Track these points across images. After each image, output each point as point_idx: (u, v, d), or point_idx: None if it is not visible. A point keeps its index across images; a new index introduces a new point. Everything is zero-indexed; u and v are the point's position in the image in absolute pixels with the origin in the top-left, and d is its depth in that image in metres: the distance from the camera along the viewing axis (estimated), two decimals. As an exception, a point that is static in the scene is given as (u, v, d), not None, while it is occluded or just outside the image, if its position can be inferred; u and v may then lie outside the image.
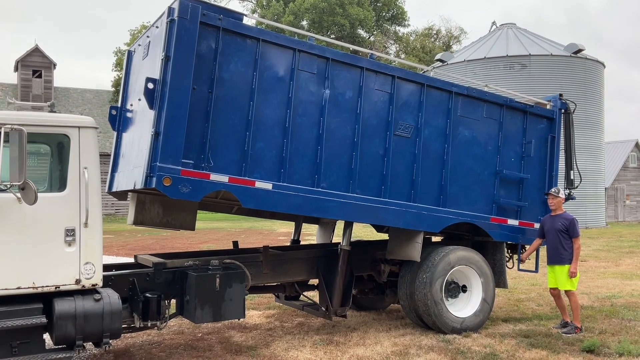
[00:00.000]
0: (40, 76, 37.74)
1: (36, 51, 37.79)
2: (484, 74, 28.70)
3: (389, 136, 7.23)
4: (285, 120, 6.55)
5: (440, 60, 32.57)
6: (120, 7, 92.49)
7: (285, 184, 6.50)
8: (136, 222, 7.12)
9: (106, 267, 6.81)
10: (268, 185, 6.40)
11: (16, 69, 38.06)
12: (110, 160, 7.39)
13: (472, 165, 7.95)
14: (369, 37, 49.26)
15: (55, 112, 5.79)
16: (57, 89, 39.59)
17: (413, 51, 51.24)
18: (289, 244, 9.04)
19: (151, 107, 5.94)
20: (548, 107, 8.75)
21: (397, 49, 52.29)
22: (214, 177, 6.10)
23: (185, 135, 5.87)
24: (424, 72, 8.84)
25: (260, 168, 6.40)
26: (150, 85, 5.90)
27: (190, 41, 5.91)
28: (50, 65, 38.21)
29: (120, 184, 6.95)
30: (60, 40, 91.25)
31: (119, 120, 7.29)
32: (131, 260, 7.57)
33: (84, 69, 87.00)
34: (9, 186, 5.07)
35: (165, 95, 5.81)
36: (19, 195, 5.15)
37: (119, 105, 7.43)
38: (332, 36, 45.37)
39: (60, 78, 76.25)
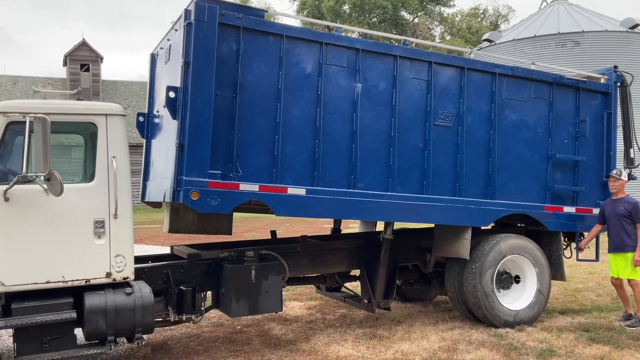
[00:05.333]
0: (88, 70, 38.44)
1: (83, 45, 38.46)
2: (534, 53, 27.48)
3: (429, 127, 6.79)
4: (315, 120, 6.19)
5: (487, 40, 31.46)
6: (161, 1, 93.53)
7: (319, 187, 6.16)
8: (171, 230, 6.93)
9: (141, 259, 6.68)
10: (301, 191, 6.07)
11: (65, 64, 38.92)
12: (142, 167, 7.20)
13: (522, 151, 7.43)
14: (413, 19, 48.16)
15: (81, 99, 5.59)
16: (105, 82, 40.27)
17: (459, 32, 49.83)
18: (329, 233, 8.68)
19: (174, 117, 5.68)
20: (602, 81, 8.11)
21: (442, 30, 50.99)
22: (244, 186, 5.80)
23: (211, 144, 5.58)
24: (469, 55, 8.30)
25: (292, 173, 6.07)
26: (172, 94, 5.62)
27: (210, 45, 5.58)
28: (98, 58, 38.86)
29: (151, 194, 6.76)
30: (105, 35, 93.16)
31: (147, 127, 7.04)
32: (168, 250, 7.39)
33: (128, 63, 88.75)
34: (34, 177, 4.90)
35: (187, 103, 5.53)
36: (45, 186, 4.98)
37: (146, 111, 7.18)
38: (374, 19, 44.50)
39: (107, 71, 77.93)
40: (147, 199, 7.00)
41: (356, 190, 6.35)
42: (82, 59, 38.38)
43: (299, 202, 6.05)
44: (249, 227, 21.57)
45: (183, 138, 5.54)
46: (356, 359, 6.02)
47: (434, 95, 6.82)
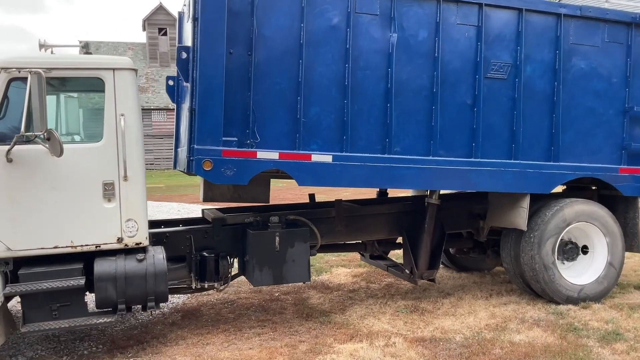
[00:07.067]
0: (165, 34, 39.06)
1: (160, 9, 38.99)
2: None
3: (479, 80, 5.96)
4: (343, 77, 5.53)
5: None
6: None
7: (348, 153, 5.55)
8: (206, 199, 6.57)
9: (170, 223, 6.41)
10: (327, 158, 5.50)
11: (144, 28, 39.72)
12: (174, 134, 6.85)
13: (592, 105, 6.44)
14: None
15: (90, 53, 5.24)
16: (182, 45, 40.85)
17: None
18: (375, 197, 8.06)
19: (187, 79, 5.25)
20: None
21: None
22: (262, 154, 5.30)
23: (225, 108, 5.10)
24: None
25: (317, 138, 5.50)
26: (184, 55, 5.20)
27: None
28: (174, 22, 39.23)
29: (180, 163, 6.41)
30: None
31: (177, 91, 6.58)
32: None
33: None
34: (33, 136, 4.63)
35: (197, 64, 5.06)
36: (47, 146, 4.70)
37: (176, 74, 6.77)
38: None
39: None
40: (177, 168, 6.68)
41: (391, 156, 5.70)
42: (160, 23, 38.98)
43: (325, 170, 5.49)
44: (311, 189, 21.18)
45: (194, 102, 5.11)
46: (389, 335, 5.48)
47: (485, 43, 5.96)
